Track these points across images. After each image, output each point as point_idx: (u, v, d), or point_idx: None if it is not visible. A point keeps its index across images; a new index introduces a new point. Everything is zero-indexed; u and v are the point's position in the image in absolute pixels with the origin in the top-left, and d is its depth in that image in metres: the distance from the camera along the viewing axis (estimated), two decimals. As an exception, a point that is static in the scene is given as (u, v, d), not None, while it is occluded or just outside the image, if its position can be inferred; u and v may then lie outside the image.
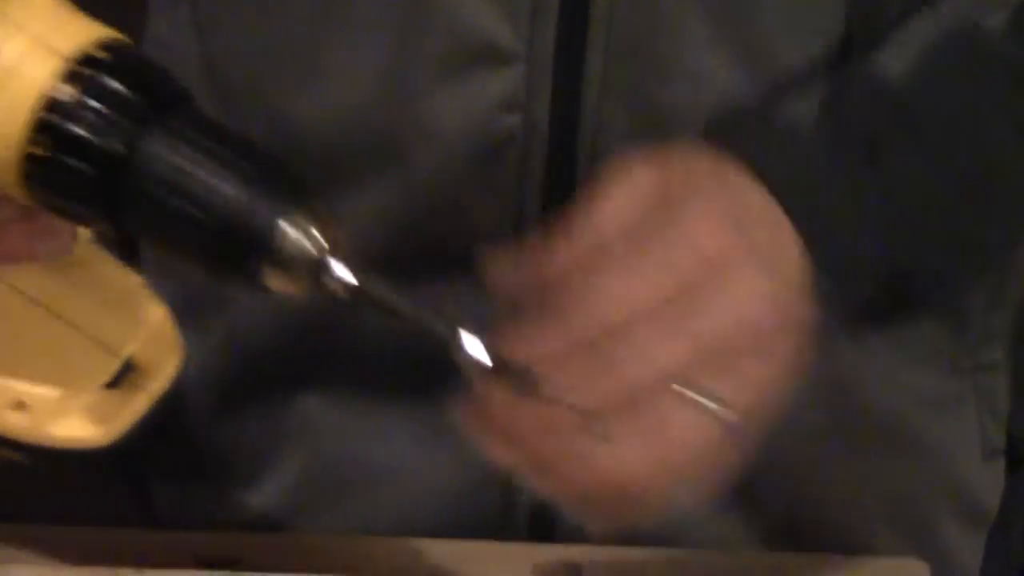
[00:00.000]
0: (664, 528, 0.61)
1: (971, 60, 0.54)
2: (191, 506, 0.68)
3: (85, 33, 0.39)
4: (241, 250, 0.39)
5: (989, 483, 0.68)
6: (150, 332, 0.47)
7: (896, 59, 0.53)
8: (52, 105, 0.39)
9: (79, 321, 0.47)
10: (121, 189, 0.39)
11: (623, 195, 0.47)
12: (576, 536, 0.63)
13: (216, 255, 0.39)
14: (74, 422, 0.47)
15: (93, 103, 0.39)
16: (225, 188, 0.39)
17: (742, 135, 0.51)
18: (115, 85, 0.39)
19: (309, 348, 0.63)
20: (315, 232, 0.39)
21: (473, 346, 0.41)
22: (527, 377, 0.42)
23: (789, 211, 0.48)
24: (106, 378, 0.47)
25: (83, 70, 0.39)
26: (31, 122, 0.39)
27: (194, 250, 0.40)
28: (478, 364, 0.41)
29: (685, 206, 0.46)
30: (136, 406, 0.47)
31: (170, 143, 0.39)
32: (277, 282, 0.40)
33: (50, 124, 0.39)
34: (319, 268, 0.40)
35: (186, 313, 0.62)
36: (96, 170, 0.39)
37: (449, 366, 0.46)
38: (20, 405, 0.47)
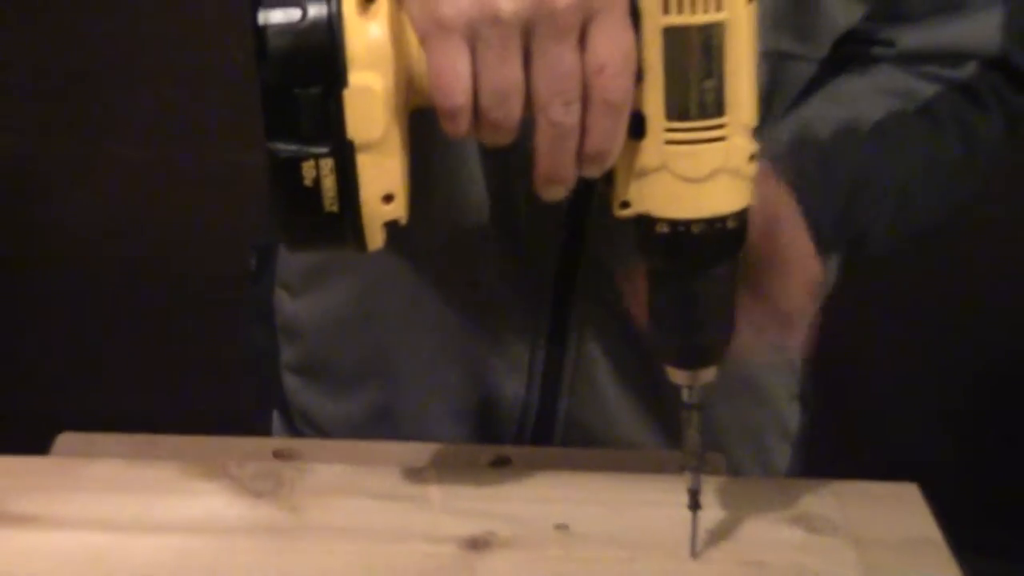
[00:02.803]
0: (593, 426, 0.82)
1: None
2: (308, 397, 0.89)
3: None
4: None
5: (793, 416, 0.93)
6: None
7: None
8: None
9: None
10: None
11: None
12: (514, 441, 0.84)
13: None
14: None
15: None
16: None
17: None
18: None
19: (391, 312, 0.83)
20: None
21: None
22: None
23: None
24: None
25: None
26: None
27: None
28: None
29: None
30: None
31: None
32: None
33: None
34: None
35: (316, 276, 0.84)
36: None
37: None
38: (389, 198, 0.54)
